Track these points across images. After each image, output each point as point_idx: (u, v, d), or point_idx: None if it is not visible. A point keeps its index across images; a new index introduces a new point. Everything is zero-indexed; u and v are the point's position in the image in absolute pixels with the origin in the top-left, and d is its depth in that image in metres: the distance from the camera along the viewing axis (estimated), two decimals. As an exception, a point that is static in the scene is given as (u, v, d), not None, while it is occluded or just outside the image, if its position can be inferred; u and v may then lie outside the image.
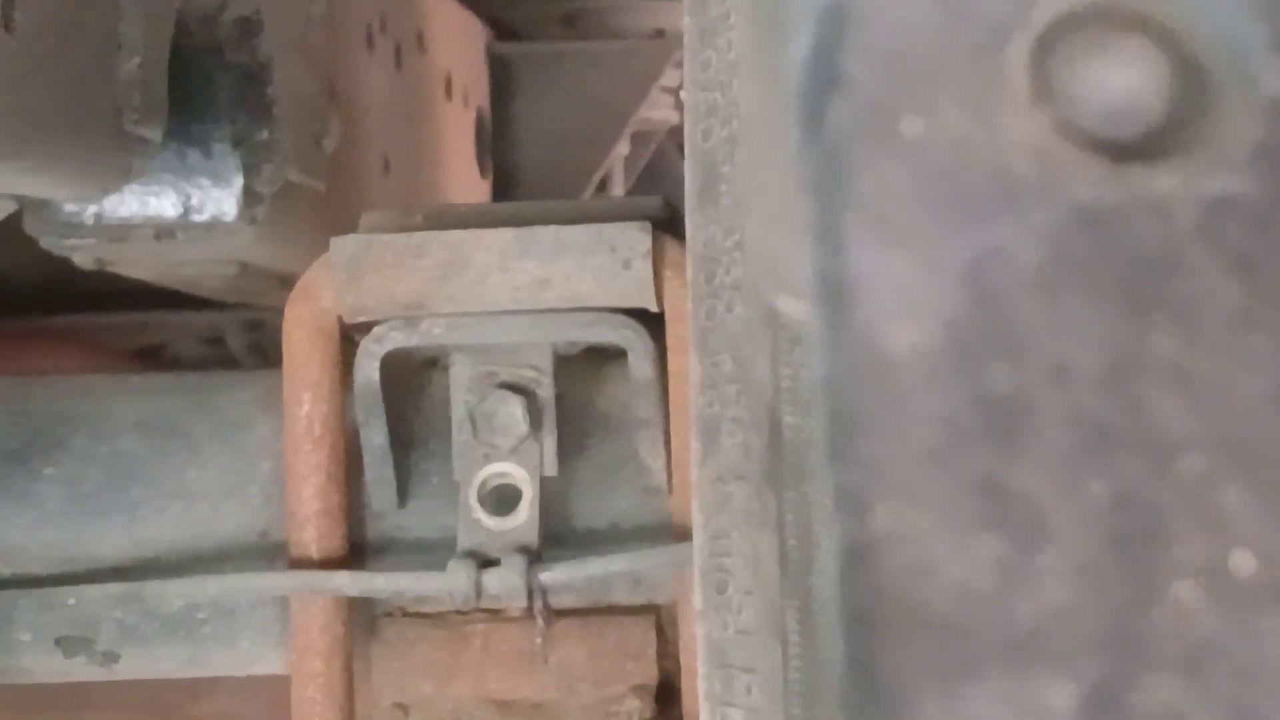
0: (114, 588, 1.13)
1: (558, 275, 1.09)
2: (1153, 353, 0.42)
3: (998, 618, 0.40)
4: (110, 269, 1.37)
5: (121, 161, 1.17)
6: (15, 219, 1.33)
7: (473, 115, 1.73)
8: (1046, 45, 0.41)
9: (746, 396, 0.70)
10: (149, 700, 2.58)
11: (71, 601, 1.14)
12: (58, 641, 1.16)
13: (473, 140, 1.73)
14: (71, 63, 1.09)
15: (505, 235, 1.09)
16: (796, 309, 0.45)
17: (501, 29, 1.82)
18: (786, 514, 0.66)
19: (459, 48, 1.69)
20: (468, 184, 1.69)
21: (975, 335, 0.41)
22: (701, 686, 0.76)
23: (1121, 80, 0.40)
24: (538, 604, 1.11)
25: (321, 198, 1.38)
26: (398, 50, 1.56)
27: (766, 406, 0.68)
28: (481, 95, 1.75)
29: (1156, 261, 0.42)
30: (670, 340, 1.10)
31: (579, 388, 1.14)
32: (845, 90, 0.40)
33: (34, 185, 1.11)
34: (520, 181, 1.78)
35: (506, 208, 1.15)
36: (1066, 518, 0.40)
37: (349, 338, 1.12)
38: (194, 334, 2.15)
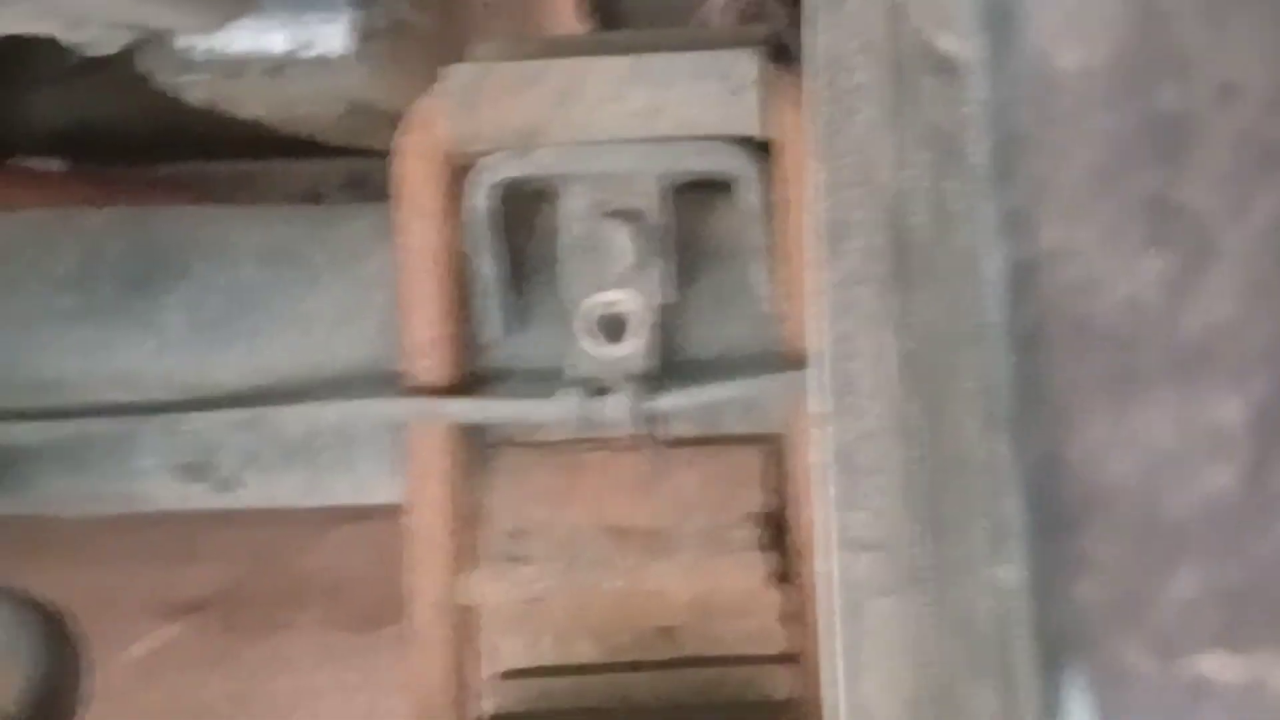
0: (234, 414, 1.15)
1: (670, 103, 1.09)
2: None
3: (1165, 331, 0.41)
4: (222, 107, 1.38)
5: (241, -8, 1.18)
6: (126, 63, 1.34)
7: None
8: None
9: (871, 198, 0.71)
10: (255, 553, 2.62)
11: (192, 428, 1.16)
12: (179, 468, 1.18)
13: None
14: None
15: (619, 63, 1.10)
16: (959, 46, 0.46)
17: None
18: (913, 314, 0.67)
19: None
20: (568, 22, 1.69)
21: (1143, 55, 0.42)
22: (825, 491, 0.77)
23: None
24: (650, 431, 1.12)
25: (432, 36, 1.39)
26: (502, -110, 1.56)
27: (891, 207, 0.69)
28: (585, -62, 1.75)
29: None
30: (781, 167, 1.10)
31: (691, 215, 1.15)
32: None
33: (157, 13, 1.12)
34: (622, 25, 1.78)
35: (619, 36, 1.16)
36: (1234, 234, 0.40)
37: (462, 167, 1.13)
38: (296, 188, 2.16)
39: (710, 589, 1.11)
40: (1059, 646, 0.53)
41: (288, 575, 2.63)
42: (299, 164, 2.04)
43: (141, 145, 2.00)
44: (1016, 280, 0.46)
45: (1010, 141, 0.44)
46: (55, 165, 1.88)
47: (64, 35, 1.13)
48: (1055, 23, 0.42)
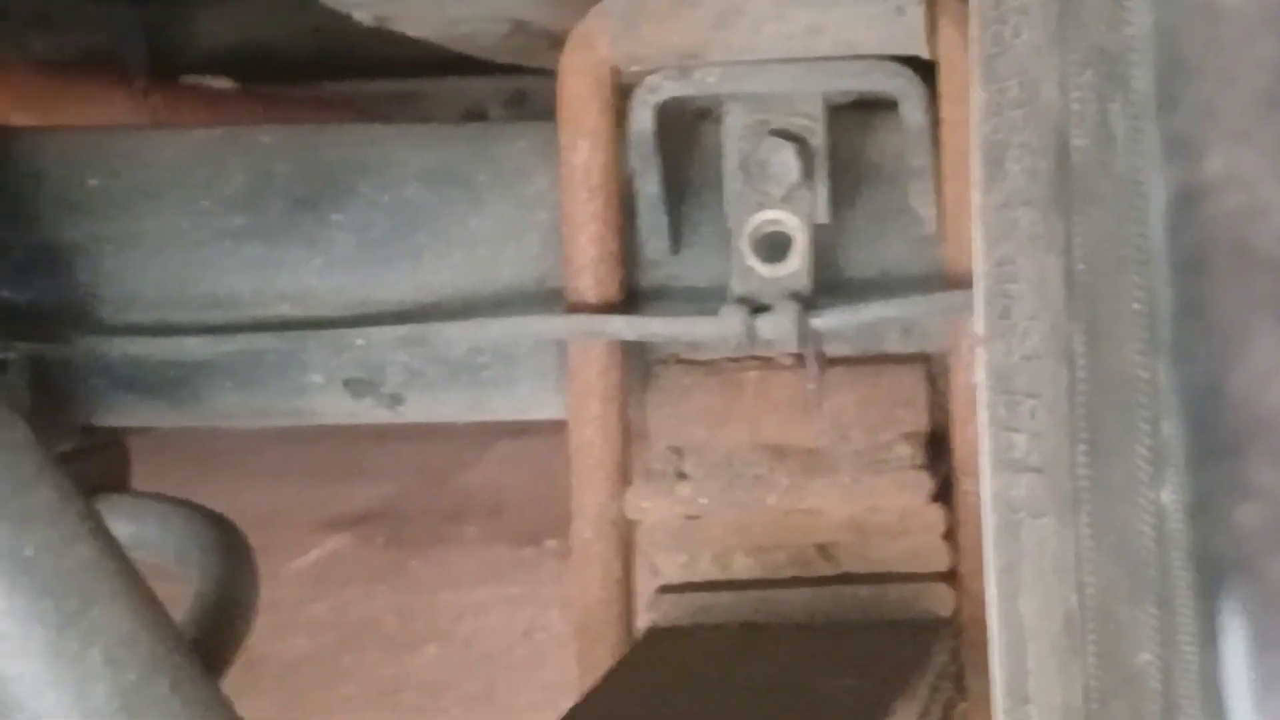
0: (399, 330, 1.17)
1: (831, 23, 1.09)
2: None
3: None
4: (388, 26, 1.39)
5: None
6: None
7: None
8: None
9: (1034, 120, 0.71)
10: (419, 469, 2.65)
11: (359, 343, 1.18)
12: (346, 383, 1.20)
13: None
14: None
15: (781, -16, 1.10)
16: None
17: None
18: (1075, 237, 0.67)
19: None
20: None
21: None
22: (984, 413, 0.78)
23: None
24: (810, 350, 1.12)
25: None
26: None
27: (1054, 129, 0.69)
28: None
29: None
30: (943, 87, 1.10)
31: (851, 136, 1.14)
32: None
33: (320, -64, 1.13)
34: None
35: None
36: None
37: (624, 87, 1.14)
38: (456, 104, 2.18)
39: (868, 507, 1.12)
40: (1218, 570, 0.54)
41: (451, 490, 2.66)
42: (463, 82, 2.06)
43: (307, 64, 2.02)
44: (1180, 206, 0.46)
45: (1174, 67, 0.44)
46: (224, 84, 1.91)
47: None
48: None
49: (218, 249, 1.20)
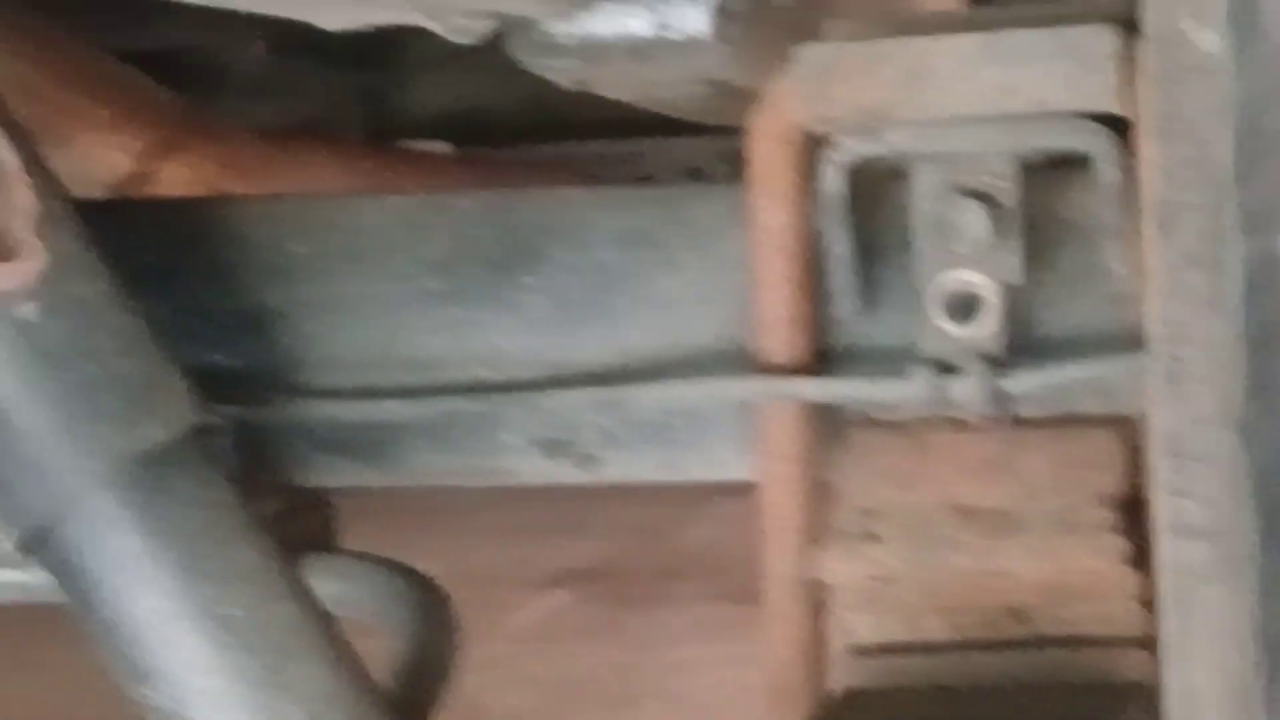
0: (591, 392, 1.18)
1: (1022, 80, 1.08)
2: None
3: None
4: (589, 90, 1.41)
5: (594, -22, 1.20)
6: (499, 47, 1.37)
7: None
8: None
9: (1205, 180, 0.70)
10: (638, 526, 2.66)
11: (553, 405, 1.19)
12: (540, 444, 1.22)
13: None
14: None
15: (969, 41, 1.09)
16: (1206, 38, 0.45)
17: None
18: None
19: None
20: (943, 4, 1.69)
21: None
22: (1156, 478, 0.77)
23: None
24: (1000, 411, 1.11)
25: (794, 14, 1.39)
26: None
27: (1221, 187, 0.68)
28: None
29: None
30: (1134, 145, 1.08)
31: (1044, 194, 1.13)
32: None
33: (508, 1, 1.15)
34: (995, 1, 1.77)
35: (973, 14, 1.15)
36: None
37: (813, 147, 1.14)
38: (675, 164, 2.19)
39: (1061, 570, 1.10)
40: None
41: (671, 548, 2.67)
42: (683, 142, 2.07)
43: (523, 127, 2.05)
44: (1256, 277, 0.45)
45: (1251, 140, 0.43)
46: (441, 148, 1.94)
47: (428, 24, 1.17)
48: None
49: (416, 312, 1.22)
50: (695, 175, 2.18)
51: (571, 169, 2.11)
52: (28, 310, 1.06)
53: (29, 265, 1.03)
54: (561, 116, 2.07)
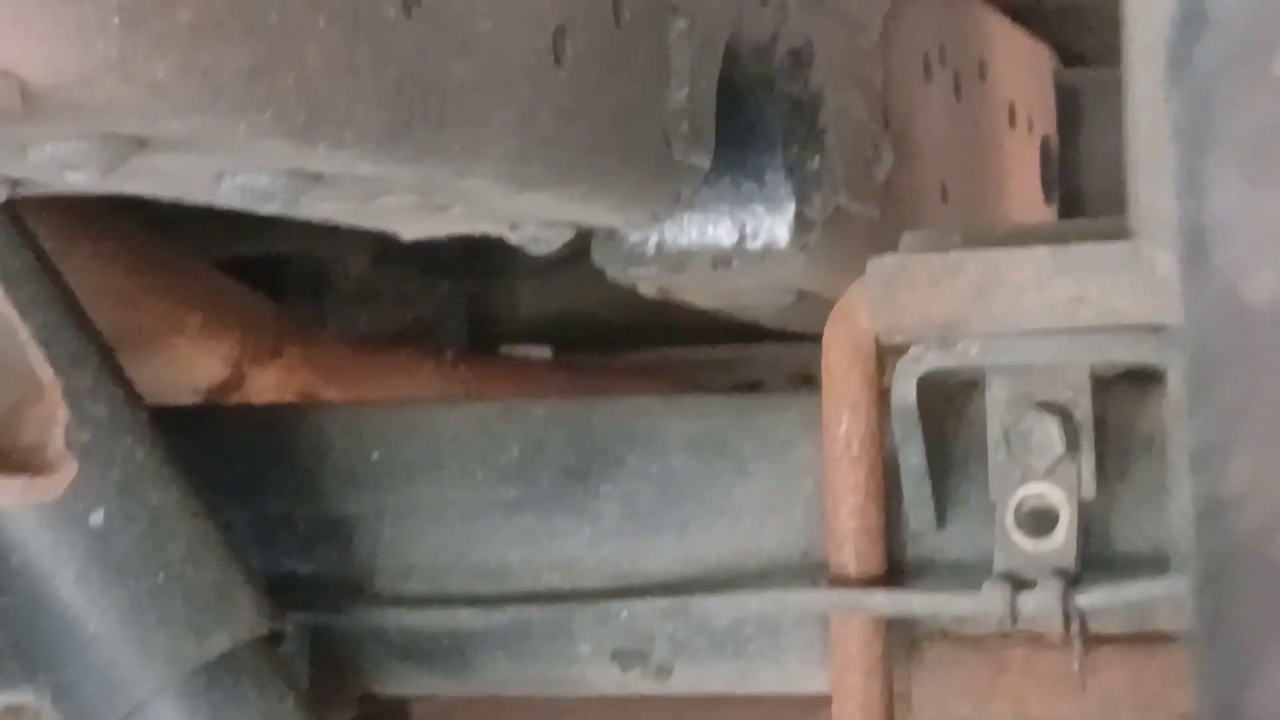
0: (664, 602, 1.17)
1: (1094, 292, 1.08)
2: None
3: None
4: (672, 297, 1.41)
5: (670, 188, 1.21)
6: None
7: (1037, 142, 1.72)
8: None
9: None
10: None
11: (625, 614, 1.18)
12: (614, 654, 1.21)
13: (1037, 167, 1.72)
14: (621, 93, 1.14)
15: (1040, 253, 1.09)
16: (1166, 259, 0.44)
17: (1069, 55, 1.81)
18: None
19: (1024, 75, 1.69)
20: (1032, 211, 1.69)
21: None
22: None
23: None
24: (1075, 628, 1.09)
25: (875, 224, 1.40)
26: (957, 79, 1.56)
27: None
28: (1047, 122, 1.75)
29: None
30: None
31: (1119, 408, 1.12)
32: (1213, 29, 0.39)
33: (585, 212, 1.16)
34: (1087, 209, 1.77)
35: (1043, 226, 1.15)
36: None
37: (887, 358, 1.13)
38: (785, 369, 2.18)
39: (1137, 790, 1.08)
40: None
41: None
42: (783, 348, 2.06)
43: (620, 332, 2.05)
44: (1206, 517, 0.44)
45: (1201, 370, 0.42)
46: (542, 353, 1.95)
47: (504, 234, 1.18)
48: (1250, 245, 0.40)
49: (490, 520, 1.22)
50: (804, 380, 2.17)
51: (672, 374, 2.11)
52: (97, 517, 1.07)
53: (59, 479, 1.04)
54: (664, 320, 2.08)
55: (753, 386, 2.16)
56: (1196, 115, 0.39)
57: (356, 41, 0.90)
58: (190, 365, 1.45)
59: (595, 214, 1.17)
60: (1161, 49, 0.41)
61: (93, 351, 1.08)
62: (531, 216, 1.14)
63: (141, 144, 0.84)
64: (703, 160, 1.22)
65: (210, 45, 0.80)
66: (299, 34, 0.86)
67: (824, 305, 1.41)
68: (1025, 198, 1.68)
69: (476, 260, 2.02)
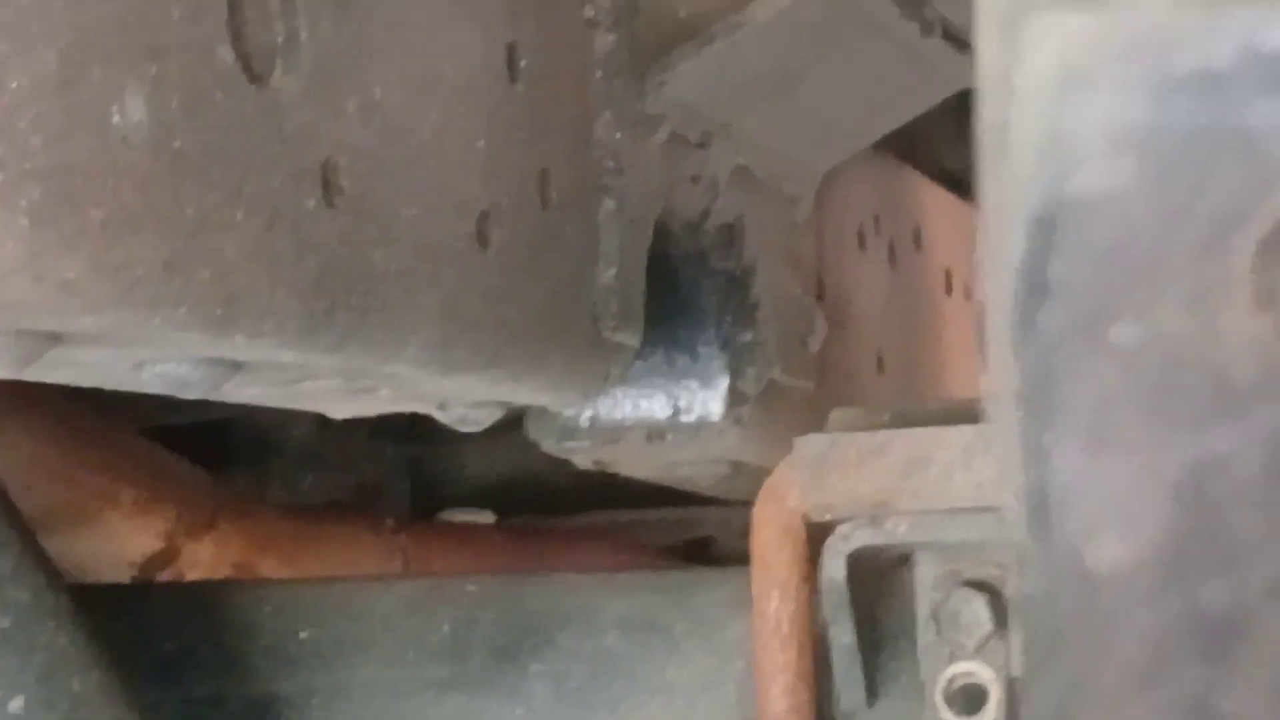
0: (594, 784, 1.16)
1: (1021, 471, 1.08)
2: (1382, 568, 0.40)
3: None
4: (608, 469, 1.41)
5: (600, 367, 1.21)
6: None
7: (974, 309, 1.73)
8: (1273, 243, 0.40)
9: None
10: None
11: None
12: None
13: (976, 334, 1.73)
14: (548, 274, 1.14)
15: (967, 432, 1.09)
16: (1015, 524, 0.45)
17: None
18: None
19: (959, 242, 1.70)
20: (970, 378, 1.69)
21: (1189, 549, 0.40)
22: None
23: (1352, 283, 0.39)
24: (1010, 806, 1.09)
25: (810, 396, 1.40)
26: (892, 248, 1.57)
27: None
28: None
29: (1384, 470, 0.40)
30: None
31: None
32: (1055, 297, 0.40)
33: (514, 392, 1.16)
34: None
35: (972, 404, 1.14)
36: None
37: (816, 536, 1.13)
38: (739, 529, 2.17)
39: None
40: None
41: None
42: (707, 510, 2.06)
43: (566, 495, 2.05)
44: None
45: (1048, 637, 0.42)
46: (484, 518, 1.94)
47: (433, 414, 1.18)
48: (1095, 514, 0.40)
49: (421, 700, 1.21)
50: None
51: (620, 536, 2.10)
52: (16, 704, 1.05)
53: None
54: (609, 484, 2.07)
55: (704, 543, 2.15)
56: (1038, 382, 0.40)
57: (276, 233, 0.90)
58: (124, 540, 1.44)
59: (524, 394, 1.17)
60: (1006, 312, 0.41)
61: (14, 537, 1.08)
62: (460, 398, 1.14)
63: (57, 339, 0.84)
64: (632, 339, 1.22)
65: (123, 242, 0.80)
66: (216, 227, 0.86)
67: (761, 475, 1.41)
68: (963, 365, 1.69)
69: (420, 424, 2.01)
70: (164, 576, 1.47)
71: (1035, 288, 0.40)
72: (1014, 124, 0.38)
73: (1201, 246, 0.39)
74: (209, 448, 1.79)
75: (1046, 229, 0.39)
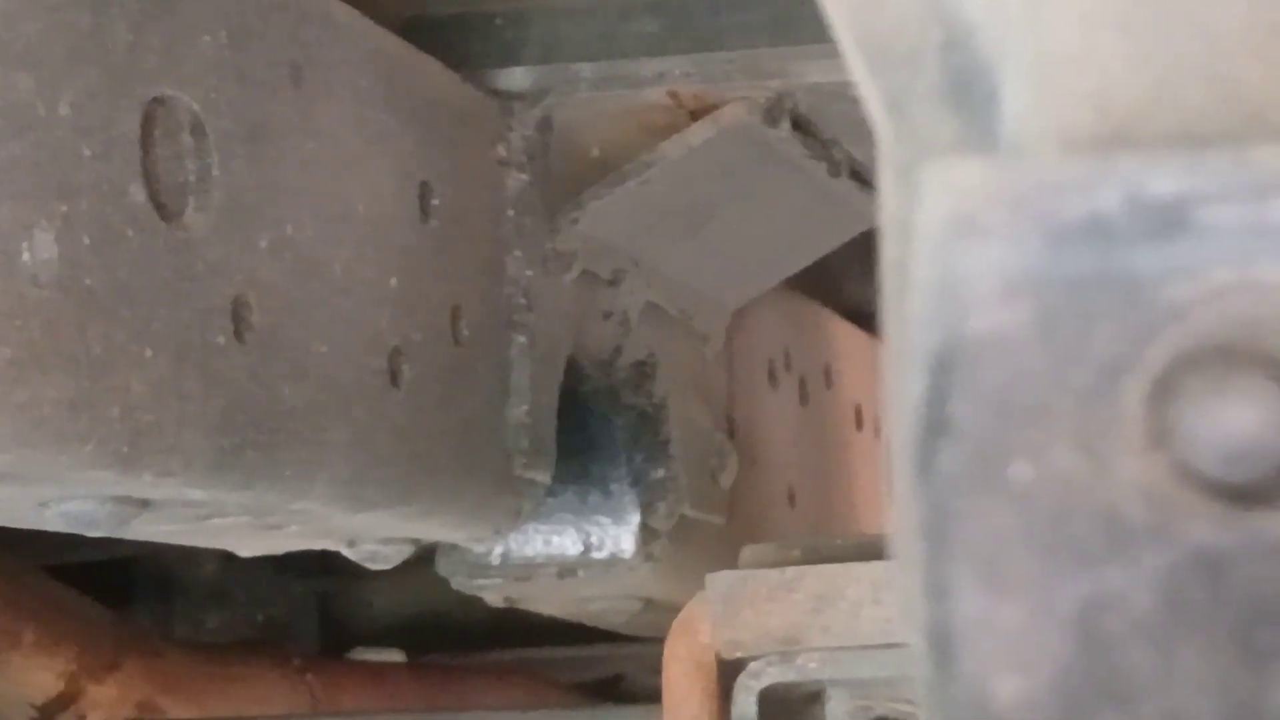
0: None
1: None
2: (1270, 704, 0.40)
3: None
4: (519, 606, 1.41)
5: (511, 504, 1.21)
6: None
7: (884, 444, 1.74)
8: (1162, 386, 0.41)
9: None
10: None
11: None
12: None
13: (884, 470, 1.74)
14: (460, 410, 1.14)
15: (876, 568, 1.09)
16: (918, 661, 0.45)
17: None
18: None
19: (869, 377, 1.71)
20: (880, 513, 1.70)
21: (1084, 685, 0.40)
22: None
23: (1242, 422, 0.40)
24: None
25: (721, 531, 1.40)
26: (802, 384, 1.58)
27: None
28: (894, 425, 1.77)
29: (1276, 607, 0.40)
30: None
31: None
32: (953, 437, 0.40)
33: (425, 529, 1.15)
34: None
35: (884, 538, 1.15)
36: None
37: (727, 673, 1.13)
38: (648, 665, 2.17)
39: None
40: None
41: None
42: (618, 646, 2.04)
43: (477, 632, 2.04)
44: None
45: None
46: (394, 656, 1.93)
47: (341, 550, 1.18)
48: (993, 650, 0.41)
49: None
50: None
51: (531, 674, 2.09)
52: None
53: None
54: (521, 619, 2.06)
55: (615, 681, 2.14)
56: (938, 520, 0.40)
57: (184, 370, 0.90)
58: (24, 681, 1.42)
59: (435, 530, 1.17)
60: (906, 449, 0.42)
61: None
62: (370, 534, 1.14)
63: (-39, 477, 0.83)
64: (544, 475, 1.22)
65: (29, 381, 0.80)
66: (123, 365, 0.86)
67: (672, 610, 1.41)
68: (873, 499, 1.70)
69: (328, 560, 2.00)
70: (65, 719, 1.45)
71: (934, 427, 0.41)
72: (912, 267, 0.39)
73: (1093, 388, 0.40)
74: (112, 585, 1.77)
75: (944, 370, 0.40)
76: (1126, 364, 0.40)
